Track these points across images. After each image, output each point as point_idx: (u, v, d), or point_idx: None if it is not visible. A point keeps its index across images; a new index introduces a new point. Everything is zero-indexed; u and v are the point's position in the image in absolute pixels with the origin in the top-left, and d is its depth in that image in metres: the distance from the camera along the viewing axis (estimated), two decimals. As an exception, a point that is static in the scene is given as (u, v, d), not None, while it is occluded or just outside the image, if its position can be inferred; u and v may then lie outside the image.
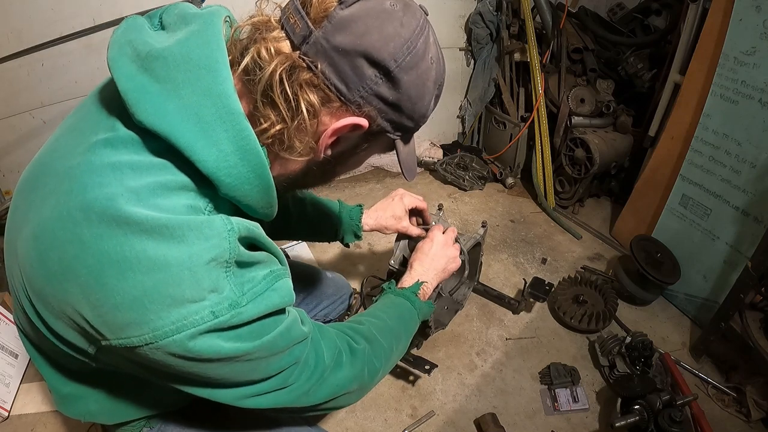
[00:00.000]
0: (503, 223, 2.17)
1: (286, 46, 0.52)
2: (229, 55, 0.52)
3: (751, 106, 1.35)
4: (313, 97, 0.52)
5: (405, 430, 1.27)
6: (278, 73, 0.50)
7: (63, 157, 0.52)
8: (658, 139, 1.83)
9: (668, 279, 1.57)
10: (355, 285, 1.68)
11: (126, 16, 0.58)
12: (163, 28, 0.59)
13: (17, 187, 0.58)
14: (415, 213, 1.23)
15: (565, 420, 1.30)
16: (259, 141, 0.53)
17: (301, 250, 1.91)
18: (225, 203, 0.55)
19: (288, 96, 0.51)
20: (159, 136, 0.48)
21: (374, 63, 0.52)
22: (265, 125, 0.53)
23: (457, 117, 2.73)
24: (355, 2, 0.51)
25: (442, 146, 2.66)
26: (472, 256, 1.31)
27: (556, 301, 1.61)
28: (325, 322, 0.91)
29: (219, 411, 0.75)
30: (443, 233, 1.09)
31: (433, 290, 1.02)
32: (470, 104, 2.59)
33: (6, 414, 1.26)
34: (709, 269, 1.54)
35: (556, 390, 1.35)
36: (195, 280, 0.46)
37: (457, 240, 1.13)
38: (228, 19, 0.58)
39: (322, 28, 0.51)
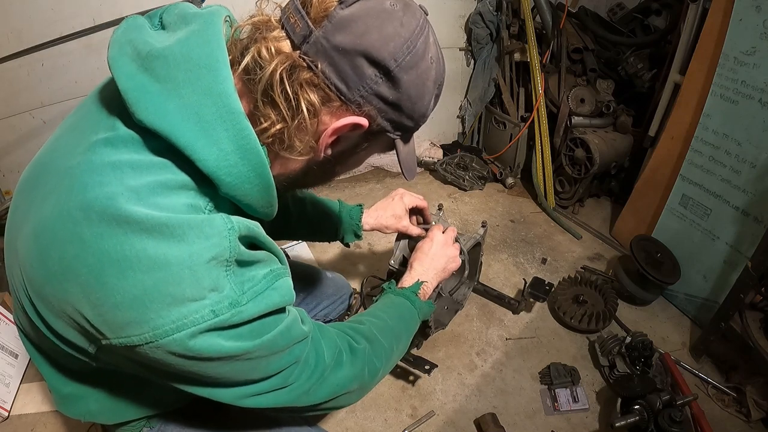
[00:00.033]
0: (503, 223, 2.17)
1: (286, 45, 0.52)
2: (229, 55, 0.52)
3: (751, 106, 1.35)
4: (314, 97, 0.53)
5: (405, 430, 1.27)
6: (278, 72, 0.50)
7: (63, 156, 0.52)
8: (658, 139, 1.83)
9: (668, 279, 1.57)
10: (355, 285, 1.68)
11: (126, 16, 0.58)
12: (163, 27, 0.59)
13: (17, 187, 0.58)
14: (415, 212, 1.23)
15: (565, 420, 1.30)
16: (260, 140, 0.53)
17: (301, 250, 1.91)
18: (225, 202, 0.55)
19: (288, 95, 0.52)
20: (159, 135, 0.48)
21: (374, 62, 0.52)
22: (265, 124, 0.54)
23: (457, 117, 2.73)
24: (355, 2, 0.51)
25: (442, 146, 2.66)
26: (472, 256, 1.31)
27: (556, 301, 1.60)
28: (325, 322, 0.91)
29: (219, 411, 0.75)
30: (443, 233, 1.09)
31: (433, 290, 1.02)
32: (470, 104, 2.59)
33: (6, 414, 1.26)
34: (709, 269, 1.53)
35: (556, 390, 1.35)
36: (195, 279, 0.46)
37: (457, 240, 1.13)
38: (228, 18, 0.58)
39: (323, 28, 0.51)
